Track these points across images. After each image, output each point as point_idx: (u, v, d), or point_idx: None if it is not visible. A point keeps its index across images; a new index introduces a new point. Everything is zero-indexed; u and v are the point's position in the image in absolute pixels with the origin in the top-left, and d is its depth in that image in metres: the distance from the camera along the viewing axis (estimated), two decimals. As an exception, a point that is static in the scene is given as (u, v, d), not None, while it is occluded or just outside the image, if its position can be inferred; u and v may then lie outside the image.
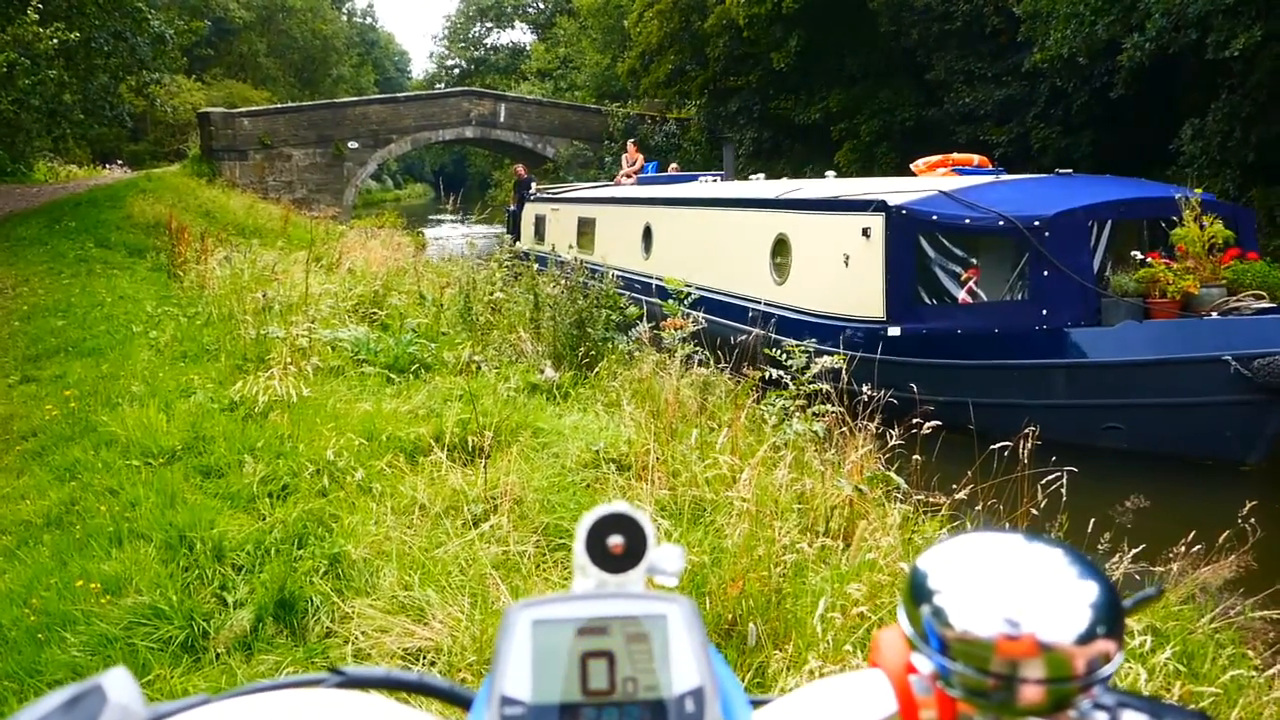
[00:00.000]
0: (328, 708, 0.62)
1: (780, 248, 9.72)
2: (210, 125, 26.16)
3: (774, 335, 7.88)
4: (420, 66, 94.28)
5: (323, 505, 4.10)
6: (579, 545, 0.59)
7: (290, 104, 33.67)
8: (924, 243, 8.17)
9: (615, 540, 0.59)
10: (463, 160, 64.70)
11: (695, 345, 6.77)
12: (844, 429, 5.07)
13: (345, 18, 70.86)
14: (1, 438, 5.71)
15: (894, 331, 7.98)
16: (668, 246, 12.37)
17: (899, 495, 4.66)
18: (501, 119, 30.60)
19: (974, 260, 8.24)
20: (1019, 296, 8.10)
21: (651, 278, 11.70)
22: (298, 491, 4.30)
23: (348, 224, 23.26)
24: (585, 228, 15.32)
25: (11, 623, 3.26)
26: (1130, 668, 3.14)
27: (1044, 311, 7.84)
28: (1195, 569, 4.11)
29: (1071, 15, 16.50)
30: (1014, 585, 0.57)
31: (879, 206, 8.18)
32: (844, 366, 6.37)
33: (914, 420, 4.74)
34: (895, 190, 8.61)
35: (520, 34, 64.89)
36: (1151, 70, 16.35)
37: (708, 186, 14.02)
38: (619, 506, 0.60)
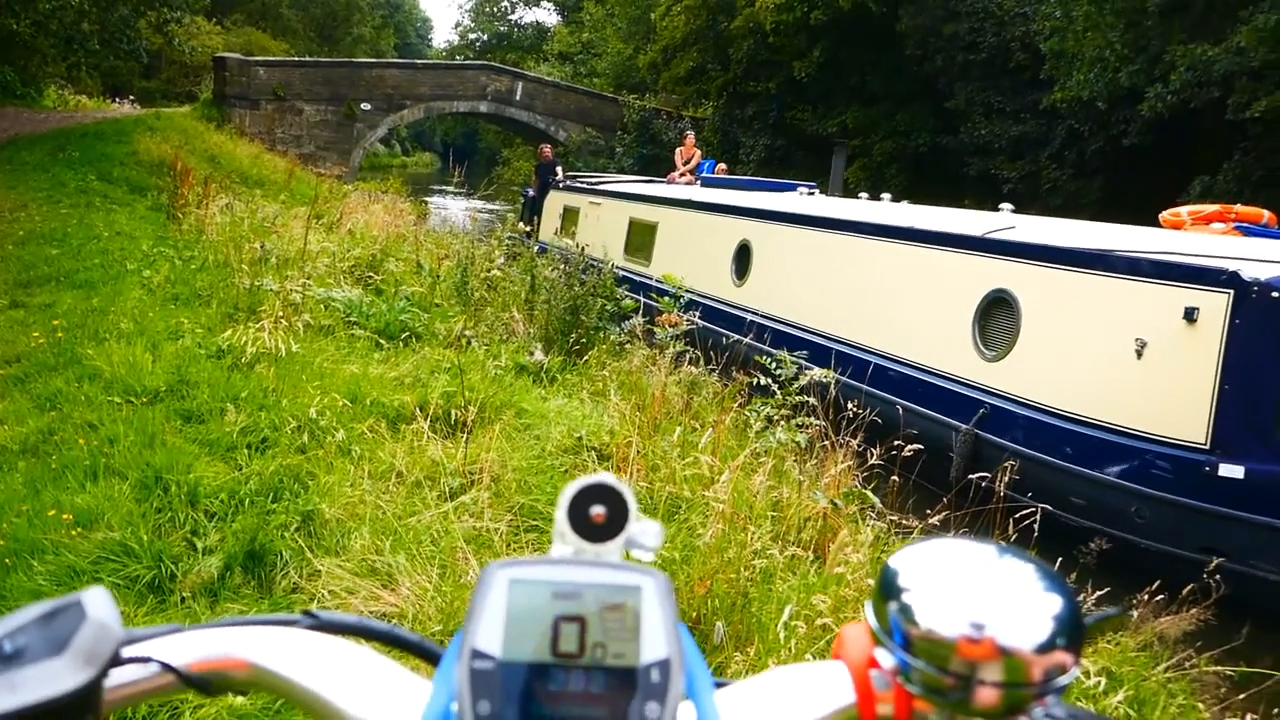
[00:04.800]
0: (300, 648, 0.63)
1: (997, 309, 6.84)
2: (225, 70, 25.99)
3: (982, 433, 6.33)
4: (442, 36, 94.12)
5: (300, 462, 4.10)
6: (561, 512, 0.60)
7: (308, 58, 33.51)
8: None
9: (597, 510, 0.60)
10: (474, 134, 64.46)
11: (687, 344, 6.72)
12: (826, 442, 5.09)
13: (372, -23, 70.46)
14: (-15, 360, 5.69)
15: (1231, 471, 5.38)
16: (778, 276, 9.50)
17: (873, 514, 4.69)
18: (517, 97, 30.49)
19: None
20: None
21: (747, 311, 9.29)
22: (277, 445, 4.30)
23: (352, 185, 23.17)
24: (640, 233, 12.54)
25: (-21, 545, 3.26)
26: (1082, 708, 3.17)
27: None
28: (1156, 617, 4.15)
29: (1096, 59, 16.58)
30: (982, 590, 0.58)
31: (1226, 279, 5.51)
32: (1133, 507, 5.24)
33: (895, 442, 4.75)
34: (1222, 254, 5.91)
35: (546, 14, 64.79)
36: (1169, 123, 16.42)
37: (826, 202, 11.05)
38: (604, 477, 0.61)
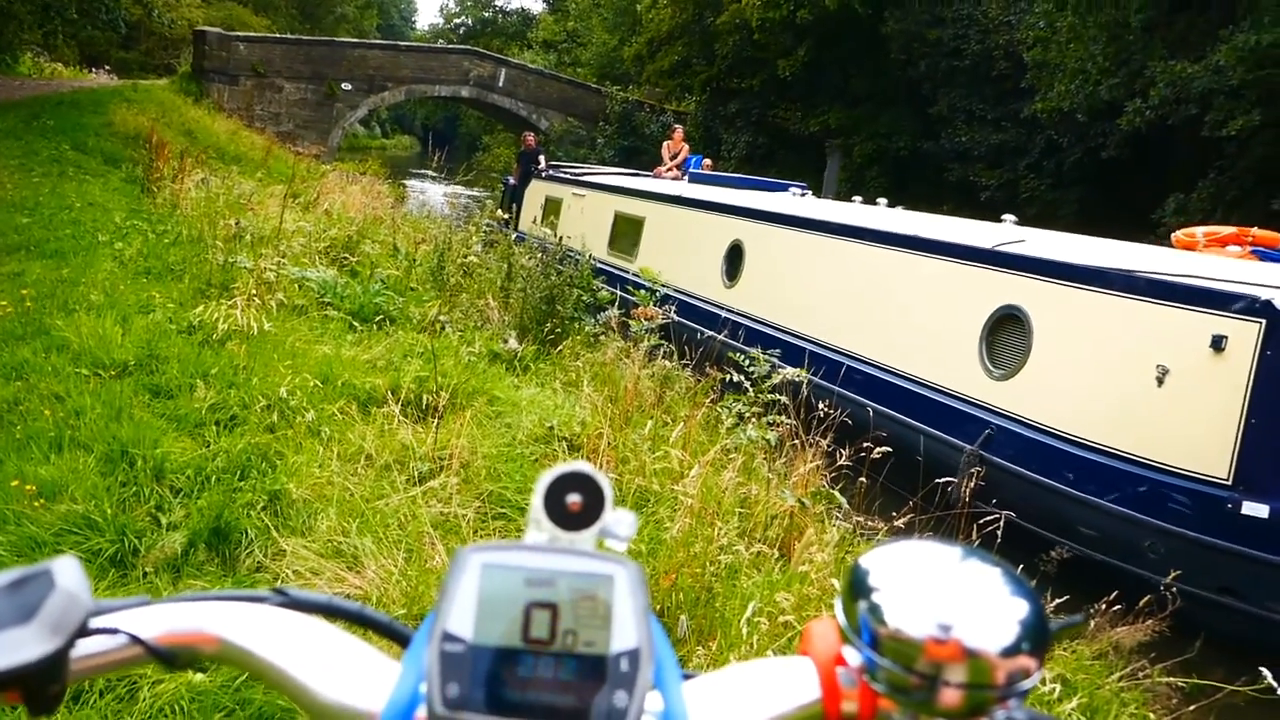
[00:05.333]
0: (269, 624, 0.63)
1: (1006, 326, 6.47)
2: (205, 44, 25.74)
3: (986, 454, 5.96)
4: (426, 19, 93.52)
5: (269, 441, 4.08)
6: (537, 499, 0.60)
7: (289, 35, 33.21)
8: None
9: (573, 499, 0.60)
10: (454, 119, 64.12)
11: (661, 338, 6.71)
12: (796, 441, 5.12)
13: (358, -43, 69.85)
14: (-49, 326, 5.60)
15: (1255, 509, 5.06)
16: (773, 280, 9.03)
17: (839, 514, 4.72)
18: (500, 84, 30.36)
19: None
20: None
21: (736, 313, 8.99)
22: (246, 424, 4.27)
23: (330, 165, 23.01)
24: (626, 227, 12.01)
25: (-61, 513, 3.22)
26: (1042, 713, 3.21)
27: None
28: (1113, 627, 4.20)
29: (1078, 71, 16.70)
30: (950, 592, 0.59)
31: (1260, 308, 5.18)
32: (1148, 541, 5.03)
33: (864, 443, 4.78)
34: (1251, 281, 5.55)
35: (532, 1, 64.60)
36: (1146, 138, 16.58)
37: (824, 206, 10.50)
38: (581, 466, 0.61)
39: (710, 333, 7.50)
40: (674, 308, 7.65)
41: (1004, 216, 7.93)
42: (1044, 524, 5.00)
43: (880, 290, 7.61)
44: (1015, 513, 4.50)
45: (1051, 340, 6.10)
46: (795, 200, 10.59)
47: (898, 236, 7.68)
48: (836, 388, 6.66)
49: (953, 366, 6.70)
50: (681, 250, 10.48)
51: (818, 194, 12.98)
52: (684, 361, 6.80)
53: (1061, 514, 5.41)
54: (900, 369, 7.08)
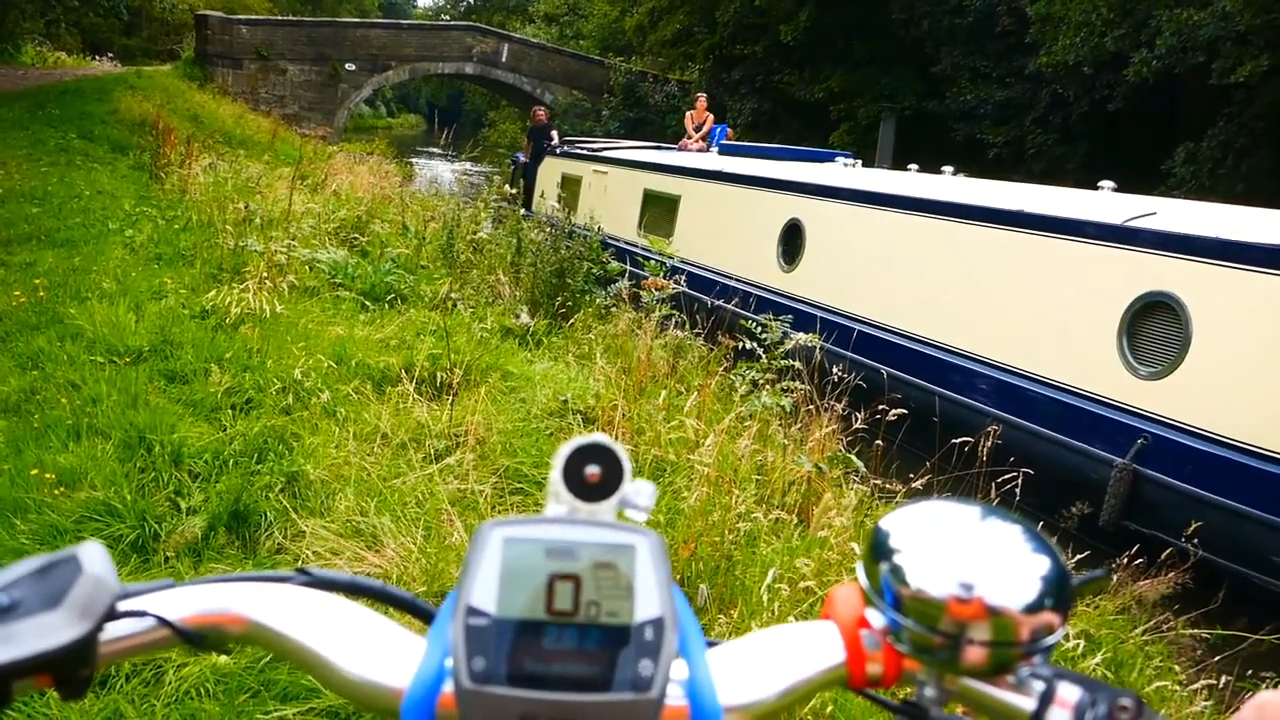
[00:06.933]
0: (294, 604, 0.64)
1: (1153, 316, 5.39)
2: (207, 29, 25.67)
3: (1143, 469, 5.15)
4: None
5: (285, 423, 4.09)
6: (556, 472, 0.60)
7: (291, 17, 33.08)
8: None
9: (592, 470, 0.60)
10: (459, 96, 63.81)
11: (674, 308, 6.70)
12: (811, 407, 5.11)
13: (356, -64, 69.41)
14: (-35, 319, 5.63)
15: None
16: (842, 262, 7.90)
17: (857, 478, 4.72)
18: (503, 59, 30.22)
19: None
20: None
21: (798, 300, 8.03)
22: (261, 407, 4.29)
23: (337, 145, 22.99)
24: (658, 206, 10.75)
25: (-39, 504, 3.24)
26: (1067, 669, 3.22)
27: None
28: (1135, 581, 4.21)
29: (1083, 23, 16.53)
30: (971, 551, 0.59)
31: None
32: None
33: (880, 405, 4.77)
34: None
35: (533, -26, 64.01)
36: (1153, 88, 16.41)
37: (894, 177, 8.87)
38: (599, 438, 0.61)
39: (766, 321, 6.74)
40: (684, 278, 7.59)
41: (1101, 183, 6.84)
42: (1222, 551, 4.39)
43: (986, 277, 6.54)
44: (1179, 535, 4.04)
45: (1216, 332, 5.08)
46: (855, 172, 9.49)
47: (1004, 214, 6.50)
48: (933, 385, 6.23)
49: (1086, 364, 5.69)
50: (726, 231, 9.52)
51: (868, 164, 12.09)
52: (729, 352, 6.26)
53: (1247, 539, 4.64)
54: (1019, 367, 6.09)
